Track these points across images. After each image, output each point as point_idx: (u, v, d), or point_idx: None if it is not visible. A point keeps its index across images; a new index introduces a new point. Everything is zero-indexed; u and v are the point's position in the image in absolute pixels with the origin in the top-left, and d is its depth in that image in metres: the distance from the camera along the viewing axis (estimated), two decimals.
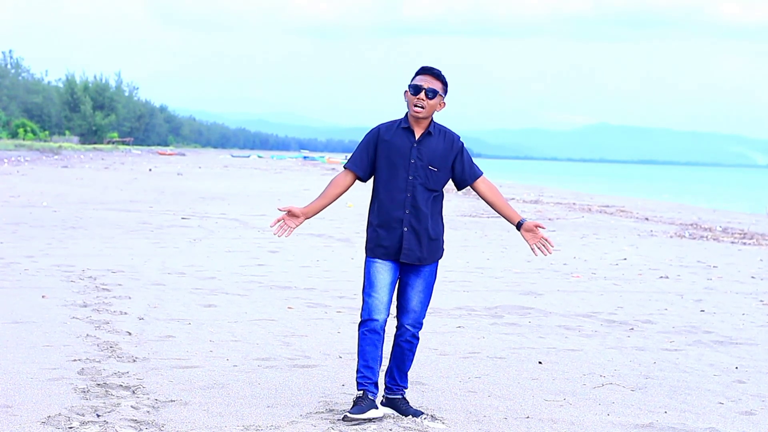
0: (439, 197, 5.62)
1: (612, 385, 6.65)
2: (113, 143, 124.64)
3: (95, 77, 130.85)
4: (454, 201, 32.40)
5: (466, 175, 5.62)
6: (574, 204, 33.69)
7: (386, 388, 5.72)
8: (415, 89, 5.50)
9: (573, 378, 6.84)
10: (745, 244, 19.31)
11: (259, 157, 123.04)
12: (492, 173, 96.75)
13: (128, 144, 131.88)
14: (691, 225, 24.53)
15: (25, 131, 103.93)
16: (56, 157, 66.45)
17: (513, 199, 35.39)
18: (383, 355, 5.76)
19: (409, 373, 5.84)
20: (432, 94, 5.49)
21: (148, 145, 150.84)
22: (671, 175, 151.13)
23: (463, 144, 5.65)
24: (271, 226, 5.67)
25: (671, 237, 20.31)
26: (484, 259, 14.29)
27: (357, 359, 5.57)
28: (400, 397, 5.71)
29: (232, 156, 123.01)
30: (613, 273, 13.19)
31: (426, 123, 5.57)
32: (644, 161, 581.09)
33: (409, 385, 6.02)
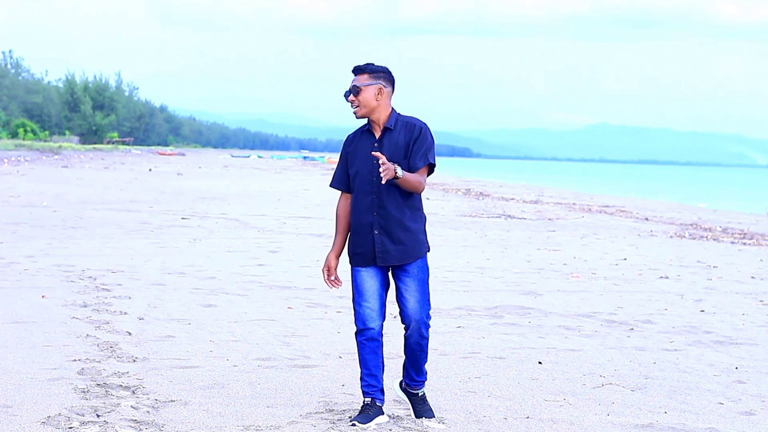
0: (409, 194, 5.41)
1: (612, 385, 6.65)
2: (113, 143, 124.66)
3: (95, 77, 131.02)
4: (454, 201, 32.40)
5: (410, 162, 5.39)
6: (574, 204, 33.67)
7: (405, 383, 5.69)
8: (345, 97, 5.44)
9: (573, 378, 6.84)
10: (745, 244, 19.31)
11: (259, 157, 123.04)
12: (492, 173, 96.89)
13: (128, 144, 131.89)
14: (691, 225, 24.53)
15: (25, 131, 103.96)
16: (56, 157, 66.47)
17: (513, 198, 35.38)
18: (387, 358, 5.75)
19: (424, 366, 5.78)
20: (355, 90, 5.38)
21: (148, 145, 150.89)
22: (671, 175, 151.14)
23: (423, 131, 5.41)
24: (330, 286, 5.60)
25: (671, 237, 20.31)
26: (484, 259, 14.29)
27: (360, 368, 5.55)
28: (418, 393, 5.66)
29: (232, 156, 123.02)
30: (613, 273, 13.19)
31: (383, 119, 5.44)
32: (644, 161, 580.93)
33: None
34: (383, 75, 5.46)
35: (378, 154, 5.23)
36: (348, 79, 5.55)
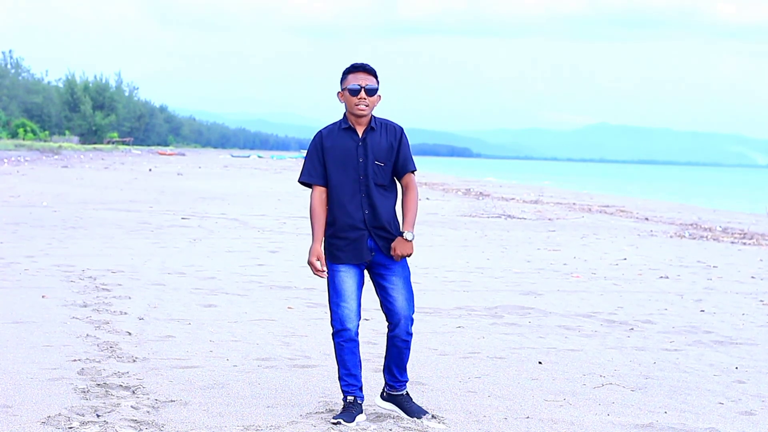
0: (392, 191, 5.57)
1: (612, 385, 6.65)
2: (113, 143, 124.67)
3: (95, 77, 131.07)
4: (454, 201, 32.40)
5: (399, 166, 5.56)
6: (574, 204, 33.67)
7: (387, 385, 5.70)
8: (354, 90, 5.45)
9: (573, 378, 6.84)
10: (745, 244, 19.30)
11: (259, 157, 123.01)
12: (492, 173, 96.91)
13: (128, 144, 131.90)
14: (691, 225, 24.53)
15: (25, 131, 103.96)
16: (56, 157, 66.47)
17: (513, 198, 35.40)
18: (381, 354, 5.74)
19: (409, 373, 5.82)
20: (372, 92, 5.47)
21: (148, 145, 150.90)
22: (671, 175, 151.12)
23: (403, 135, 5.60)
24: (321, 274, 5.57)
25: (671, 237, 20.31)
26: (484, 259, 14.29)
27: (338, 368, 5.55)
28: (403, 393, 5.68)
29: (232, 156, 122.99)
30: (613, 273, 13.19)
31: (367, 120, 5.54)
32: (644, 161, 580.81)
33: (408, 384, 5.99)
34: (379, 84, 5.57)
35: (395, 255, 5.46)
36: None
